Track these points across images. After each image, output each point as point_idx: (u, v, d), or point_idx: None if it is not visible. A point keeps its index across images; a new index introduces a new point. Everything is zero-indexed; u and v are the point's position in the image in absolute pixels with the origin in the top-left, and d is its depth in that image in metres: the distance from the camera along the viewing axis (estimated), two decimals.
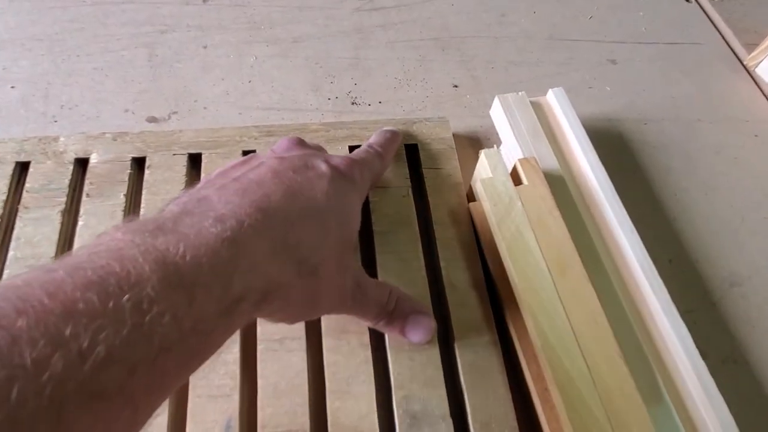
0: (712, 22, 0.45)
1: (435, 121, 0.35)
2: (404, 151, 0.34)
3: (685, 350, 0.27)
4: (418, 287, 0.29)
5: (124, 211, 0.30)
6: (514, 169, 0.31)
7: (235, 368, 0.26)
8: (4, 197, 0.30)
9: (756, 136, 0.39)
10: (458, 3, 0.44)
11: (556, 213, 0.29)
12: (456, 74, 0.40)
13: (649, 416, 0.24)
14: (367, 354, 0.27)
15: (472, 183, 0.33)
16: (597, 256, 0.30)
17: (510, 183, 0.30)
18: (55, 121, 0.36)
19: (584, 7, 0.45)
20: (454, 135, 0.36)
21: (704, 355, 0.30)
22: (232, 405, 0.25)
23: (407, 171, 0.33)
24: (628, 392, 0.25)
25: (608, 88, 0.40)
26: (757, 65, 0.42)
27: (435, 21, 0.43)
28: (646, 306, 0.28)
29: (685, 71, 0.42)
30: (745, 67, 0.43)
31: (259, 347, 0.27)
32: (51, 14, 0.41)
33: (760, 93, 0.41)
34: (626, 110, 0.39)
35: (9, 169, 0.31)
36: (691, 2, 0.46)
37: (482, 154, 0.31)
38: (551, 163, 0.32)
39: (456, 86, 0.39)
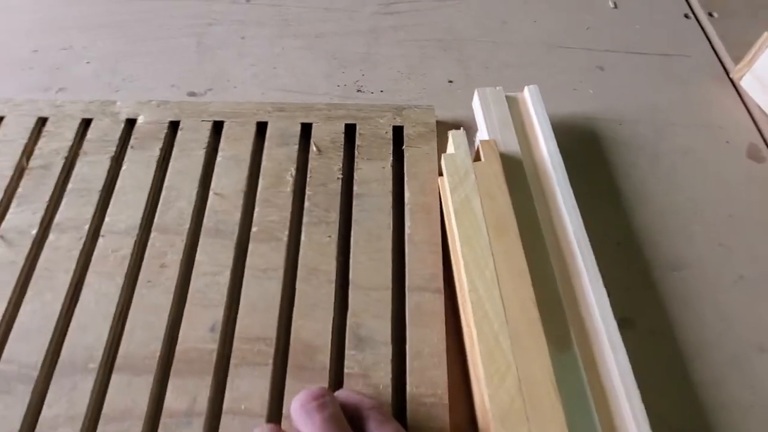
0: (707, 37, 0.48)
1: (422, 108, 0.41)
2: (392, 132, 0.40)
3: (599, 307, 0.31)
4: (383, 241, 0.35)
5: (158, 161, 0.38)
6: (477, 149, 0.36)
7: (224, 287, 0.33)
8: (70, 143, 0.39)
9: (727, 142, 0.42)
10: (465, 10, 0.50)
11: (504, 187, 0.34)
12: (452, 71, 0.46)
13: (549, 353, 0.28)
14: (332, 288, 0.33)
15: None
16: (537, 225, 0.34)
17: (468, 159, 0.35)
18: (117, 91, 0.44)
19: (583, 19, 0.49)
20: (442, 122, 0.41)
21: (632, 324, 0.34)
22: (218, 313, 0.32)
23: (391, 148, 0.39)
24: (535, 332, 0.29)
25: (591, 91, 0.44)
26: (741, 77, 0.45)
27: (441, 24, 0.49)
28: (576, 269, 0.33)
29: (670, 80, 0.45)
30: (731, 80, 0.46)
31: (246, 273, 0.34)
32: (126, 5, 0.51)
33: (742, 104, 0.44)
34: (604, 111, 0.43)
35: (76, 123, 0.40)
36: (690, 18, 0.49)
37: (450, 134, 0.36)
38: (514, 148, 0.37)
39: (451, 81, 0.45)
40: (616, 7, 0.50)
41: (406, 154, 0.39)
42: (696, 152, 0.41)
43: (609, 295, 0.32)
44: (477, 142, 0.38)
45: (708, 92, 0.45)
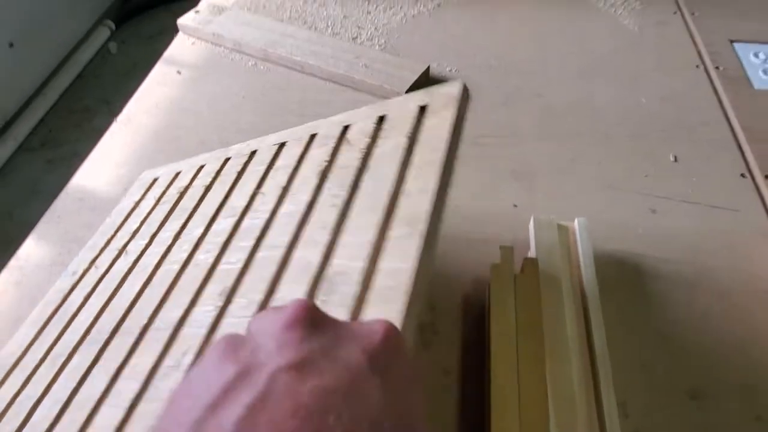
0: (761, 196, 0.53)
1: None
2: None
3: (608, 412, 0.36)
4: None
5: None
6: (523, 264, 0.44)
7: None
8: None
9: (766, 291, 0.46)
10: (540, 147, 0.59)
11: (537, 295, 0.41)
12: (520, 198, 0.54)
13: None
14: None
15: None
16: (564, 333, 0.40)
17: (511, 271, 0.43)
18: None
19: (644, 167, 0.56)
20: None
21: None
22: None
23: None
24: (543, 417, 0.35)
25: (640, 230, 0.51)
26: None
27: (518, 157, 0.58)
28: (593, 374, 0.38)
29: (717, 229, 0.50)
30: None
31: None
32: (272, 120, 0.66)
33: None
34: (650, 249, 0.49)
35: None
36: (746, 178, 0.54)
37: (500, 248, 0.45)
38: (556, 269, 0.44)
39: (516, 205, 0.54)
40: (676, 161, 0.56)
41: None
42: (733, 297, 0.45)
43: (624, 409, 0.37)
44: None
45: (752, 245, 0.49)
